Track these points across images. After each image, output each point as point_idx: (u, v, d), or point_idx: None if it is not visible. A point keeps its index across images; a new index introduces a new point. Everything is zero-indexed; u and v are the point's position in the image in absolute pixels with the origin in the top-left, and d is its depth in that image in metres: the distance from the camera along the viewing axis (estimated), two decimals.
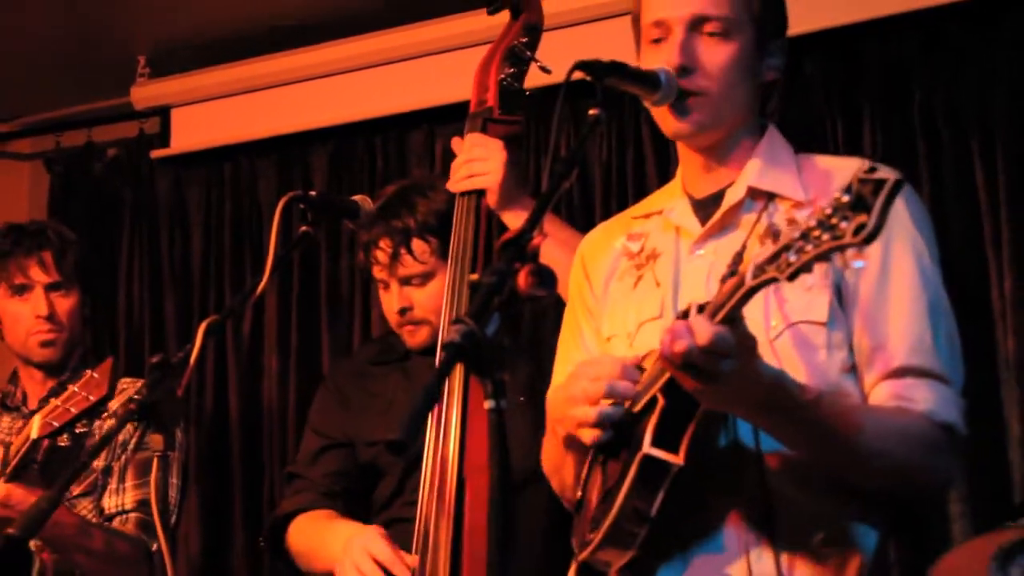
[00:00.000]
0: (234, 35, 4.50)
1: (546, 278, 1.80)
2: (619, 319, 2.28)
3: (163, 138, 4.78)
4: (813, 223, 1.63)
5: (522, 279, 1.80)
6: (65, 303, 3.33)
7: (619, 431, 2.01)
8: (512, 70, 2.70)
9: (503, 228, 2.68)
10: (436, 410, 2.53)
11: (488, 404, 1.76)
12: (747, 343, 1.81)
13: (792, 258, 1.65)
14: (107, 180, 4.95)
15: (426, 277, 2.95)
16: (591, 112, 2.05)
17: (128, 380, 3.34)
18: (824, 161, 2.29)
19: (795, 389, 1.91)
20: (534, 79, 2.74)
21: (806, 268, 1.65)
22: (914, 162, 3.75)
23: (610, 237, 2.40)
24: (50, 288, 3.31)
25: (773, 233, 1.70)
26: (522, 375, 2.80)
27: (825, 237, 1.60)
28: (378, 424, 2.99)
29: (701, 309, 1.81)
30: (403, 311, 2.97)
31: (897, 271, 2.12)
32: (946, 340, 2.12)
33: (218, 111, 4.64)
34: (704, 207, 2.25)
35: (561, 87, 2.02)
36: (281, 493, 3.24)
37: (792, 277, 1.67)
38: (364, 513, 3.00)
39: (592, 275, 2.38)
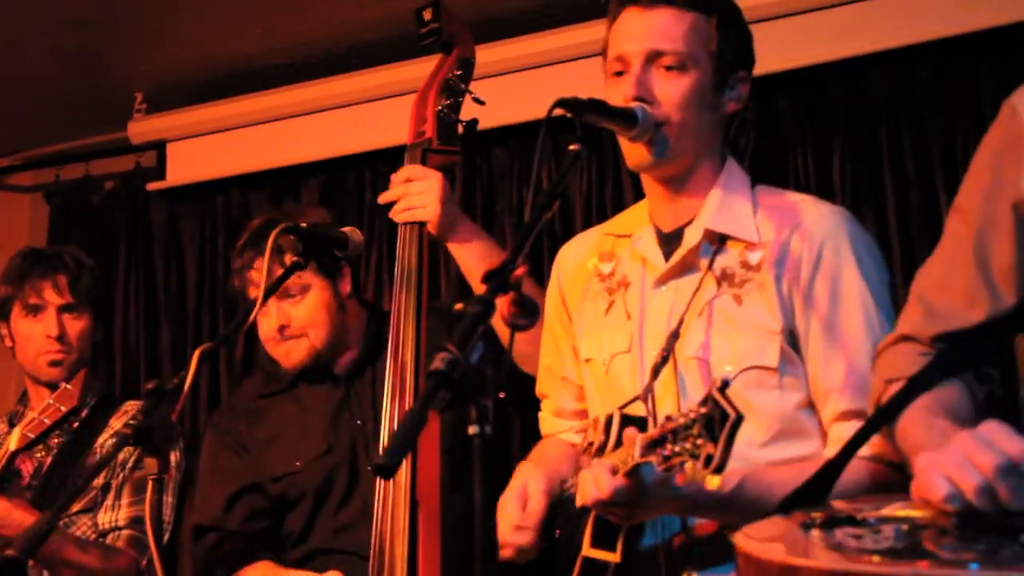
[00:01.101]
0: (227, 73, 4.50)
1: (528, 308, 1.81)
2: (595, 344, 2.34)
3: (159, 171, 4.77)
4: (681, 425, 1.78)
5: (505, 309, 1.80)
6: (76, 325, 3.32)
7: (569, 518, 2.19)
8: (448, 102, 2.70)
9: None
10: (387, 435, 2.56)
11: (472, 429, 1.76)
12: (644, 488, 1.93)
13: (666, 452, 1.81)
14: (104, 211, 4.95)
15: (304, 289, 2.95)
16: (571, 147, 2.06)
17: (132, 403, 3.34)
18: (784, 197, 2.31)
19: (710, 497, 1.98)
20: (515, 115, 2.74)
21: (673, 468, 1.80)
22: (881, 193, 3.77)
23: (583, 258, 2.44)
24: (62, 310, 3.31)
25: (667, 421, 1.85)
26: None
27: (688, 448, 1.76)
28: (280, 458, 2.99)
29: (626, 421, 2.01)
30: (282, 328, 2.96)
31: (844, 319, 2.15)
32: None
33: (212, 145, 4.64)
34: (668, 242, 2.28)
35: (543, 123, 2.03)
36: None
37: (666, 471, 1.82)
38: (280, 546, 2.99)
39: (567, 294, 2.43)
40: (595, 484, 1.92)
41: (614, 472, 1.91)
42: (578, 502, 2.08)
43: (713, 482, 1.72)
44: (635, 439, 1.88)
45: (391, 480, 2.48)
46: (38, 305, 3.31)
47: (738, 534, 1.54)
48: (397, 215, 2.69)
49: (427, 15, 2.74)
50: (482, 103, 2.67)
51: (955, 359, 1.83)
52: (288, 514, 2.98)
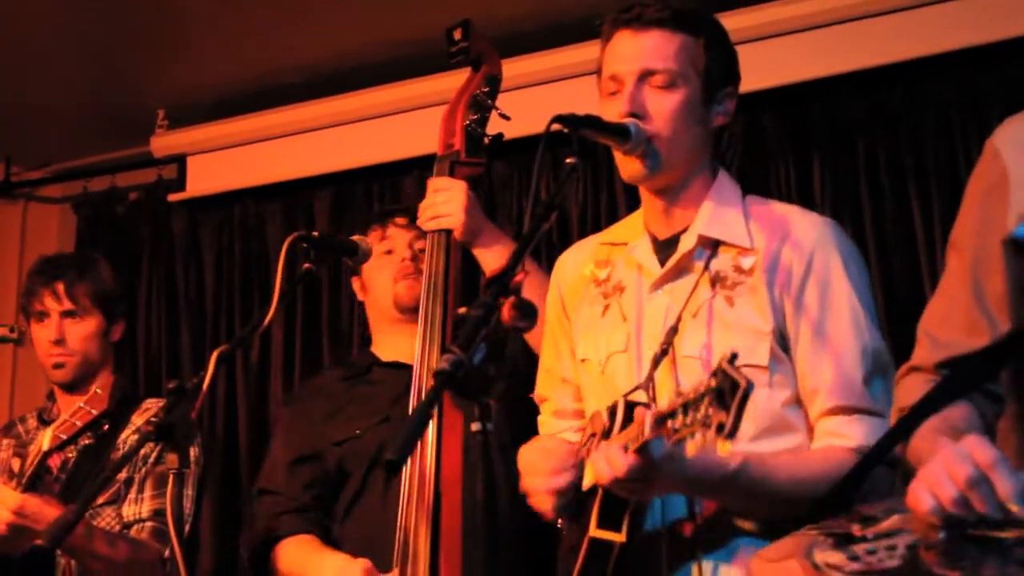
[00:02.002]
0: (244, 91, 4.50)
1: (528, 311, 1.82)
2: (591, 345, 2.32)
3: (179, 183, 4.76)
4: (692, 399, 1.74)
5: (506, 312, 1.80)
6: (78, 329, 3.29)
7: (576, 501, 2.15)
8: (475, 116, 2.71)
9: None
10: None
11: (475, 427, 1.76)
12: (653, 464, 1.90)
13: (676, 427, 1.76)
14: (129, 221, 4.94)
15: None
16: (568, 160, 2.07)
17: (153, 400, 3.32)
18: (774, 208, 2.31)
19: (712, 473, 1.99)
20: (515, 130, 2.74)
21: (683, 439, 1.76)
22: (858, 205, 3.77)
23: (579, 264, 2.43)
24: (64, 315, 3.28)
25: (678, 394, 1.82)
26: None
27: (699, 419, 1.71)
28: (344, 426, 2.98)
29: (630, 407, 1.98)
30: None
31: (833, 321, 2.15)
32: (878, 379, 2.15)
33: (229, 159, 4.63)
34: (663, 249, 2.28)
35: (541, 138, 2.03)
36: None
37: (676, 444, 1.79)
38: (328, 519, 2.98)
39: (566, 299, 2.42)
40: (608, 463, 1.90)
41: (625, 450, 1.89)
42: (586, 484, 2.07)
43: (725, 447, 1.68)
44: (645, 416, 1.85)
45: (418, 470, 2.46)
46: (43, 312, 3.29)
47: (754, 559, 1.57)
48: (424, 223, 2.69)
49: (457, 34, 2.75)
50: (508, 118, 2.68)
51: (958, 382, 1.86)
52: (341, 491, 2.96)
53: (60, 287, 3.28)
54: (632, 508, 2.02)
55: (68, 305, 3.28)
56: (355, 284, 3.23)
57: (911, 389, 1.91)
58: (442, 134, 2.74)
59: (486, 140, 2.70)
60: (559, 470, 2.14)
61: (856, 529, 1.59)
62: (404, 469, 2.51)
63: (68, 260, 3.41)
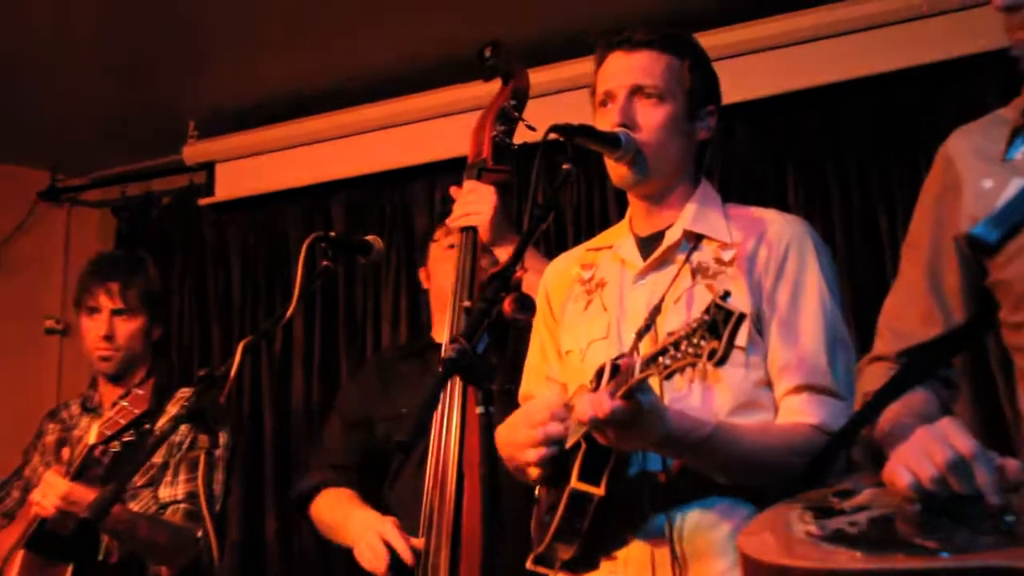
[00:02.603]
0: (267, 103, 4.49)
1: (527, 304, 1.82)
2: (573, 337, 2.29)
3: (208, 188, 4.75)
4: (683, 335, 1.69)
5: (507, 305, 1.80)
6: (126, 327, 3.28)
7: (556, 462, 2.05)
8: (503, 128, 2.69)
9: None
10: (440, 415, 2.51)
11: (478, 409, 1.76)
12: (641, 410, 1.84)
13: (667, 362, 1.71)
14: (162, 223, 4.94)
15: None
16: (564, 166, 2.07)
17: (186, 390, 3.30)
18: (751, 210, 2.31)
19: (688, 433, 1.95)
20: (517, 138, 2.72)
21: (675, 372, 1.72)
22: (829, 211, 3.78)
23: (567, 268, 2.41)
24: (115, 313, 3.27)
25: (669, 334, 1.76)
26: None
27: (690, 351, 1.67)
28: (392, 403, 2.97)
29: (616, 371, 1.89)
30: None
31: (804, 308, 2.15)
32: (842, 364, 2.14)
33: (254, 166, 4.63)
34: (647, 244, 2.27)
35: (539, 145, 2.04)
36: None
37: (667, 378, 1.75)
38: (376, 484, 2.97)
39: (553, 300, 2.40)
40: (592, 403, 1.83)
41: (612, 395, 1.83)
42: (570, 440, 2.02)
43: (715, 373, 1.71)
44: (633, 362, 1.80)
45: (442, 453, 2.44)
46: (95, 307, 3.28)
47: (740, 535, 1.55)
48: (454, 221, 2.66)
49: (488, 52, 2.74)
50: (533, 129, 2.65)
51: (917, 369, 1.86)
52: (390, 460, 2.96)
53: (115, 287, 3.27)
54: (612, 464, 1.98)
55: (119, 304, 3.27)
56: (421, 274, 3.24)
57: (874, 376, 1.92)
58: (472, 143, 2.72)
59: (513, 148, 2.68)
60: (541, 422, 2.06)
61: (835, 502, 1.59)
62: (430, 449, 2.50)
63: (123, 262, 3.39)
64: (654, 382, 1.92)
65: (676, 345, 1.70)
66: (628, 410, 1.82)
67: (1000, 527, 1.43)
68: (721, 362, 1.63)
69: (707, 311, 1.67)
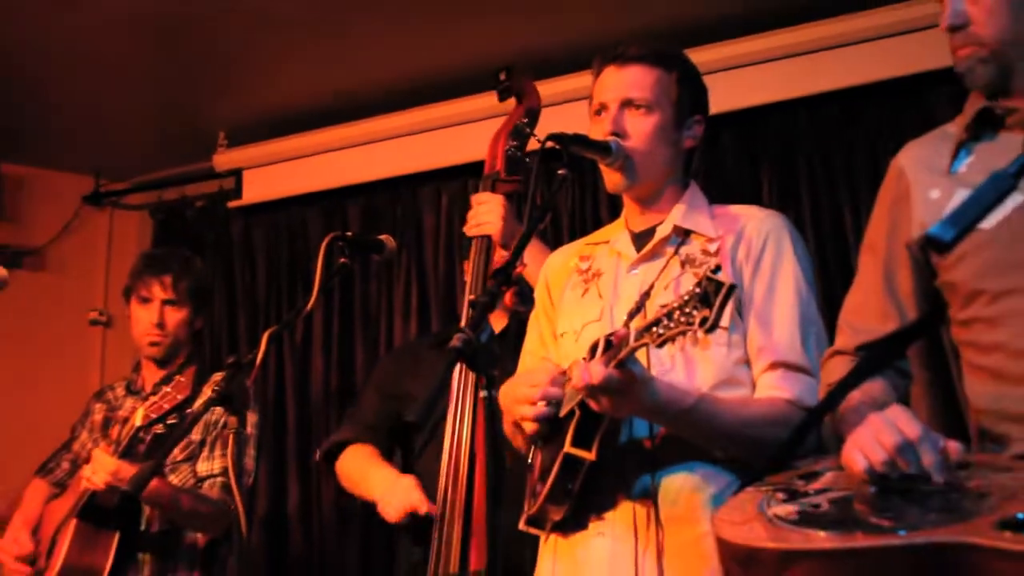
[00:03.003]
0: (289, 116, 4.50)
1: (526, 297, 1.81)
2: (569, 320, 2.27)
3: (237, 192, 4.75)
4: (676, 306, 1.68)
5: (508, 298, 1.80)
6: (174, 316, 3.29)
7: (552, 425, 2.03)
8: (515, 143, 2.68)
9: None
10: (455, 400, 2.50)
11: (482, 394, 1.76)
12: (633, 378, 1.84)
13: (660, 331, 1.70)
14: (195, 224, 4.94)
15: None
16: (560, 172, 2.06)
17: (218, 373, 3.31)
18: (734, 208, 2.29)
19: (674, 402, 1.94)
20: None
21: (668, 340, 1.71)
22: (800, 208, 3.77)
23: (567, 259, 2.39)
24: (166, 303, 3.28)
25: (660, 308, 1.74)
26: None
27: (682, 320, 1.66)
28: (419, 383, 2.95)
29: (608, 344, 1.86)
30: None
31: (780, 292, 2.14)
32: (815, 343, 2.12)
33: (278, 172, 4.62)
34: (640, 238, 2.25)
35: (538, 153, 2.03)
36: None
37: (660, 346, 1.73)
38: (403, 455, 3.00)
39: (552, 289, 2.37)
40: (587, 370, 1.81)
41: (606, 364, 1.82)
42: (565, 408, 2.00)
43: (706, 341, 1.66)
44: (628, 333, 1.79)
45: (457, 436, 2.45)
46: (147, 297, 3.29)
47: (714, 517, 1.55)
48: (469, 230, 2.66)
49: (502, 76, 2.75)
50: (543, 143, 2.67)
51: (874, 361, 1.87)
52: (415, 435, 2.97)
53: (167, 279, 3.28)
54: (603, 431, 1.97)
55: (171, 295, 3.28)
56: (464, 267, 3.15)
57: (835, 368, 1.93)
58: (488, 156, 2.71)
59: (525, 161, 2.68)
60: (541, 383, 2.02)
61: (800, 485, 1.59)
62: (447, 432, 2.50)
63: (175, 257, 3.39)
64: (641, 355, 1.92)
65: (669, 315, 1.69)
66: (620, 378, 1.81)
67: (947, 504, 1.44)
68: (712, 328, 1.62)
69: (698, 284, 1.66)
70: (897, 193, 1.89)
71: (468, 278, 3.18)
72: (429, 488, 2.67)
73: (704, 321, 1.62)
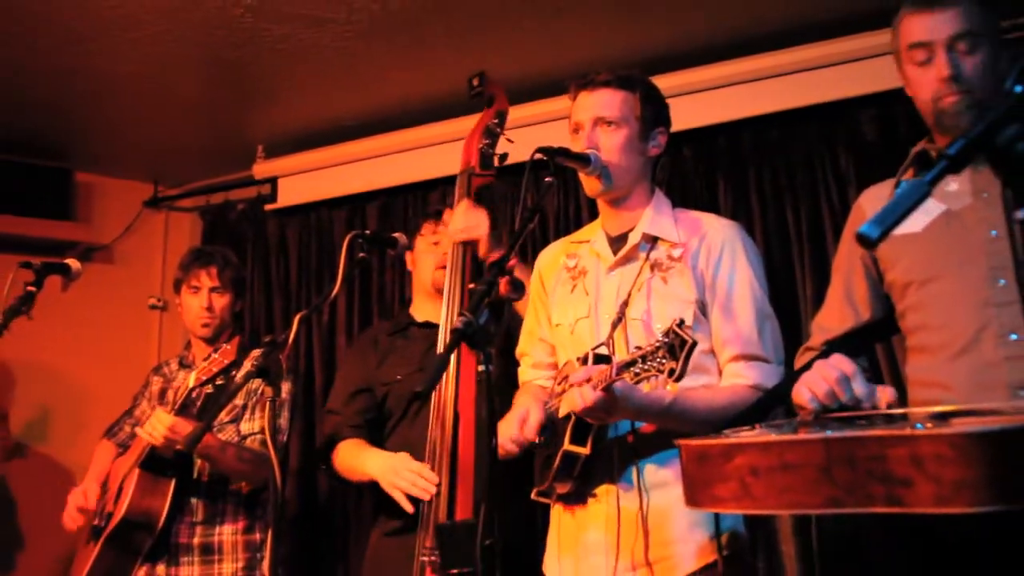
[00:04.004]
0: (318, 131, 4.46)
1: (518, 286, 1.82)
2: (562, 313, 2.32)
3: (273, 197, 4.72)
4: (648, 351, 1.77)
5: (503, 286, 1.80)
6: (220, 301, 3.28)
7: (553, 427, 2.14)
8: (487, 141, 2.64)
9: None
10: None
11: (479, 368, 1.76)
12: (615, 398, 1.92)
13: (637, 371, 1.80)
14: (238, 224, 4.92)
15: None
16: (547, 179, 2.07)
17: (257, 350, 3.29)
18: (694, 214, 2.31)
19: (653, 404, 2.00)
20: (510, 158, 2.69)
21: (643, 380, 1.81)
22: (750, 214, 3.75)
23: (556, 255, 2.42)
24: (212, 290, 3.27)
25: (635, 349, 1.84)
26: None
27: (655, 365, 1.76)
28: (389, 371, 2.93)
29: (598, 358, 1.99)
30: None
31: (738, 292, 2.16)
32: (770, 335, 2.16)
33: (308, 179, 4.59)
34: (615, 243, 2.27)
35: (528, 163, 2.04)
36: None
37: (636, 383, 1.83)
38: (378, 437, 2.92)
39: (545, 280, 2.41)
40: (581, 396, 1.91)
41: (594, 388, 1.90)
42: (562, 412, 2.07)
43: (674, 387, 1.72)
44: (610, 366, 1.87)
45: (442, 397, 2.41)
46: (197, 286, 3.28)
47: (682, 440, 1.56)
48: (455, 235, 2.56)
49: (475, 81, 2.72)
50: (512, 142, 2.62)
51: (833, 352, 1.93)
52: (387, 419, 2.91)
53: (213, 270, 3.27)
54: (594, 432, 2.04)
55: (216, 283, 3.27)
56: (408, 257, 3.11)
57: (803, 361, 1.99)
58: (464, 154, 2.69)
59: (496, 158, 2.64)
60: (516, 440, 2.15)
61: (757, 426, 1.64)
62: (433, 397, 2.48)
63: (217, 251, 3.39)
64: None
65: (644, 359, 1.77)
66: (605, 399, 1.89)
67: (869, 423, 1.52)
68: (679, 379, 1.71)
69: (667, 334, 1.74)
70: (856, 224, 1.97)
71: (411, 268, 3.08)
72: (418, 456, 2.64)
73: (672, 372, 1.72)
